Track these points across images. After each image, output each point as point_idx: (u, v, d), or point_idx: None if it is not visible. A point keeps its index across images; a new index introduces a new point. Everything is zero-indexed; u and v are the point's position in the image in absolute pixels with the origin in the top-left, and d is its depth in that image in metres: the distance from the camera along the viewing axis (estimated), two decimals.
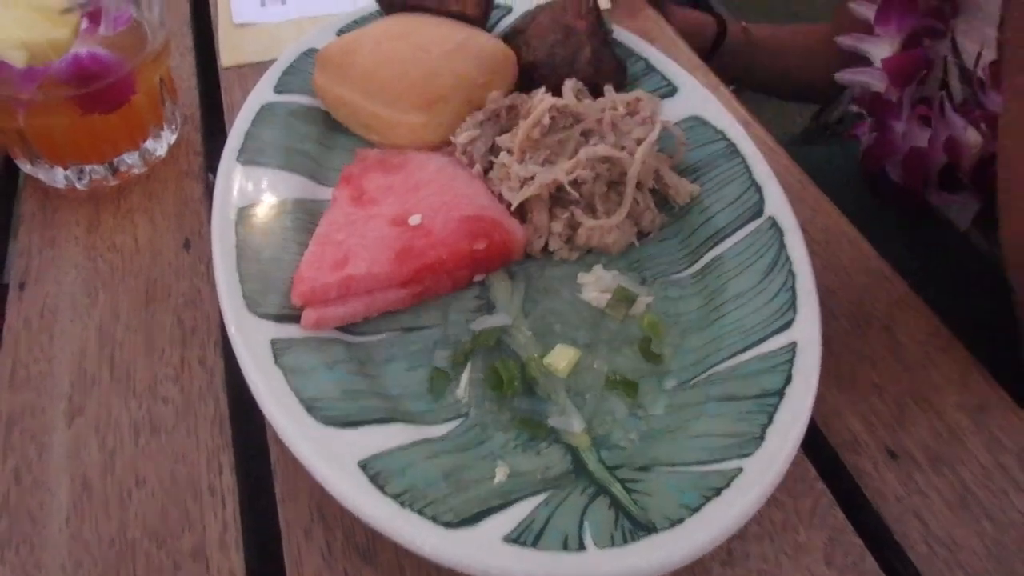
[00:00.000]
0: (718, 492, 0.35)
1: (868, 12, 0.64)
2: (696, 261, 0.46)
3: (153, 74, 0.53)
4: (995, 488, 0.39)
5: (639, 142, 0.46)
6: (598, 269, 0.46)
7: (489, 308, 0.44)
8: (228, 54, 0.64)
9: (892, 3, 0.61)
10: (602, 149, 0.45)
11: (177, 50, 0.64)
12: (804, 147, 0.86)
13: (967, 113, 0.59)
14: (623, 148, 0.46)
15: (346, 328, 0.43)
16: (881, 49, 0.62)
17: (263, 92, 0.53)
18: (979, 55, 0.59)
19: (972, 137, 0.58)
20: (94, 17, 0.50)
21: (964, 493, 0.39)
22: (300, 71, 0.55)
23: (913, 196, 0.63)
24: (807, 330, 0.40)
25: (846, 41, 0.66)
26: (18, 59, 0.45)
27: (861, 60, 0.66)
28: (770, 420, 0.37)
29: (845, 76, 0.67)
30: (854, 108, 0.77)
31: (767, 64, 0.88)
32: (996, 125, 0.53)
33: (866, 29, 0.65)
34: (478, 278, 0.46)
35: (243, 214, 0.45)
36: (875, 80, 0.63)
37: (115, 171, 0.54)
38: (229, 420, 0.42)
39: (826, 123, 0.92)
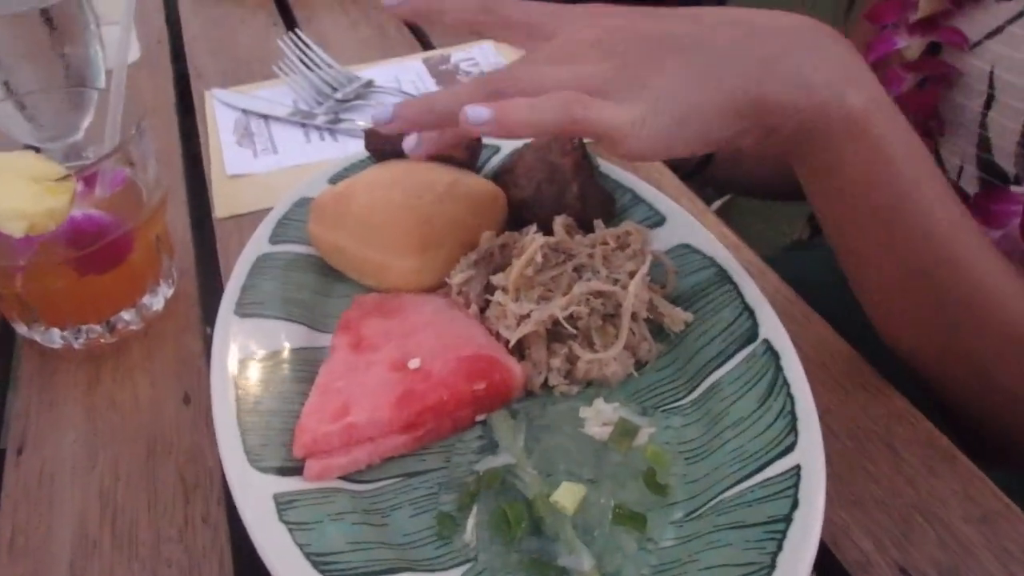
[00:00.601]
0: None
1: None
2: (695, 388, 0.48)
3: (150, 232, 0.56)
4: None
5: (631, 275, 0.49)
6: (599, 402, 0.47)
7: (492, 448, 0.45)
8: (223, 205, 0.67)
9: None
10: (595, 284, 0.48)
11: (172, 203, 0.67)
12: (800, 252, 0.90)
13: None
14: (616, 281, 0.49)
15: (350, 477, 0.44)
16: None
17: (259, 243, 0.55)
18: (960, 168, 0.63)
19: None
20: (89, 180, 0.52)
21: None
22: (294, 220, 0.57)
23: None
24: (810, 453, 0.42)
25: None
26: (17, 230, 0.48)
27: None
28: (779, 547, 0.38)
29: None
30: None
31: (753, 170, 0.92)
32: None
33: None
34: (480, 418, 0.47)
35: (242, 367, 0.47)
36: None
37: (112, 329, 0.55)
38: None
39: (817, 226, 0.95)
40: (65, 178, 0.50)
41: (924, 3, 0.61)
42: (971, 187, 0.62)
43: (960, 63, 0.61)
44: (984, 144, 0.60)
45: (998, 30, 0.59)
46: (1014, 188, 0.57)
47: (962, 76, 0.61)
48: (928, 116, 0.62)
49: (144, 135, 0.54)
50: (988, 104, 0.59)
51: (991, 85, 0.59)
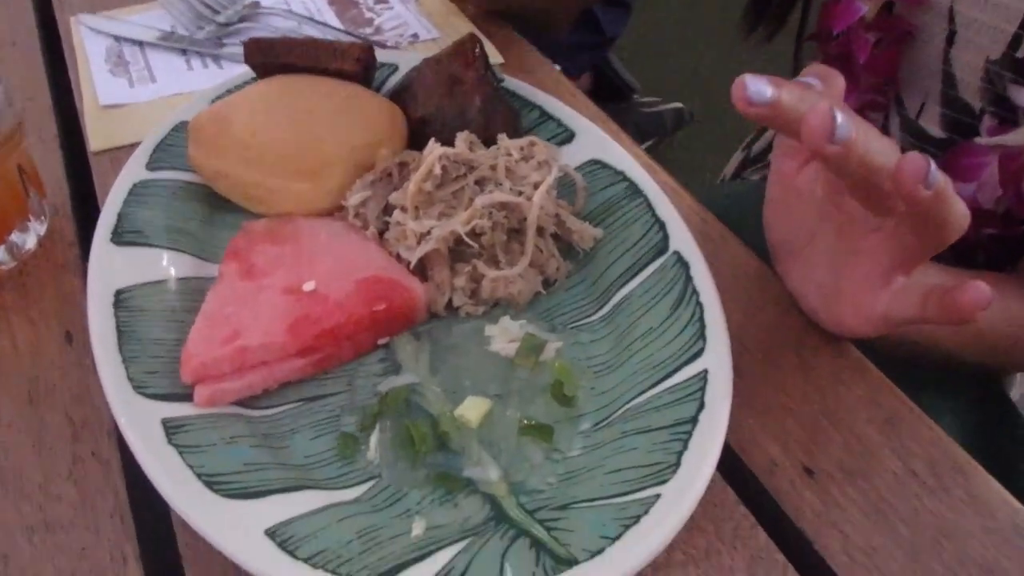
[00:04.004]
0: (637, 520, 0.41)
1: None
2: (605, 304, 0.54)
3: (7, 160, 0.58)
4: (908, 494, 0.47)
5: (536, 186, 0.54)
6: (505, 320, 0.52)
7: (396, 371, 0.51)
8: (98, 138, 0.70)
9: None
10: (498, 195, 0.53)
11: (42, 139, 0.70)
12: (731, 183, 0.96)
13: None
14: (520, 193, 0.54)
15: (245, 402, 0.48)
16: None
17: (134, 170, 0.59)
18: (921, 107, 0.70)
19: None
20: None
21: (879, 502, 0.47)
22: (175, 146, 0.61)
23: None
24: (717, 357, 0.48)
25: None
26: None
27: None
28: (685, 446, 0.44)
29: None
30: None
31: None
32: None
33: None
34: (382, 342, 0.52)
35: (122, 296, 0.51)
36: None
37: None
38: (131, 510, 0.46)
39: (749, 156, 1.02)
40: None
41: None
42: (932, 124, 0.70)
43: (916, 15, 0.67)
44: (949, 80, 0.68)
45: None
46: (979, 140, 0.65)
47: (919, 29, 0.67)
48: (891, 75, 0.70)
49: None
50: (950, 40, 0.66)
51: (951, 20, 0.66)
